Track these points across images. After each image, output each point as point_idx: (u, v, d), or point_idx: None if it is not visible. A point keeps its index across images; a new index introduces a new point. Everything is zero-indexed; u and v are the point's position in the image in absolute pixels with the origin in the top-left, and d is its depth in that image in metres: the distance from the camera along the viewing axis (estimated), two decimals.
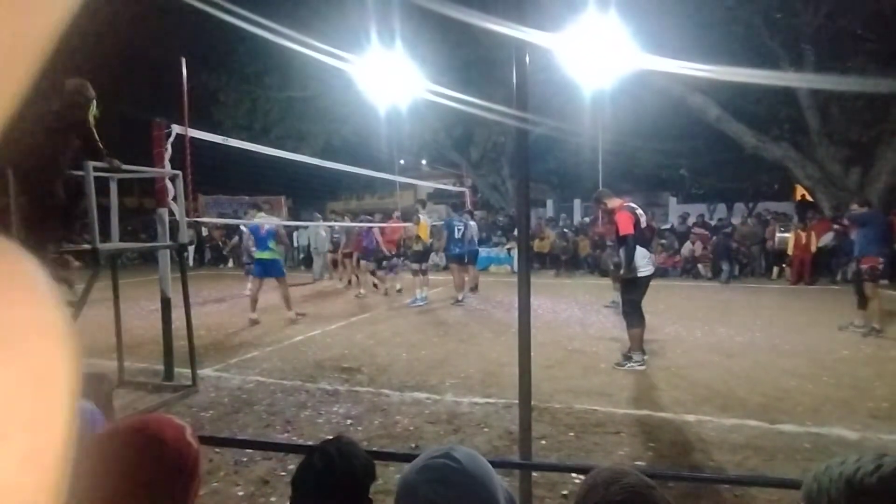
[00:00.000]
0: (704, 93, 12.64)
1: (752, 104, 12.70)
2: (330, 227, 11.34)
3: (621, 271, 5.11)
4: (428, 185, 18.70)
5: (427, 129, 16.51)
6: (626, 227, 4.93)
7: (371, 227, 9.87)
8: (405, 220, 9.98)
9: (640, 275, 4.98)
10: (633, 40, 10.20)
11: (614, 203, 5.22)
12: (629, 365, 4.99)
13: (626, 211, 5.03)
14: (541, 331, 6.60)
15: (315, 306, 9.08)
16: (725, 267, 12.00)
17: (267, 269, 7.39)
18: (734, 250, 12.34)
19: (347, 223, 11.04)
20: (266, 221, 7.65)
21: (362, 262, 10.16)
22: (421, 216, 9.27)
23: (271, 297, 8.24)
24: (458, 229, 9.30)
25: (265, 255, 7.38)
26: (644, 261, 4.98)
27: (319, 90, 15.16)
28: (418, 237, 9.15)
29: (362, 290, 10.02)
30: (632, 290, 5.08)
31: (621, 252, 5.01)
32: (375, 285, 10.15)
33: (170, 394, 4.45)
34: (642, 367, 4.97)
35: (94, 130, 3.80)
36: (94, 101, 3.81)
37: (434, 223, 9.70)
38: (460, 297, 9.19)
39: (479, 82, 13.82)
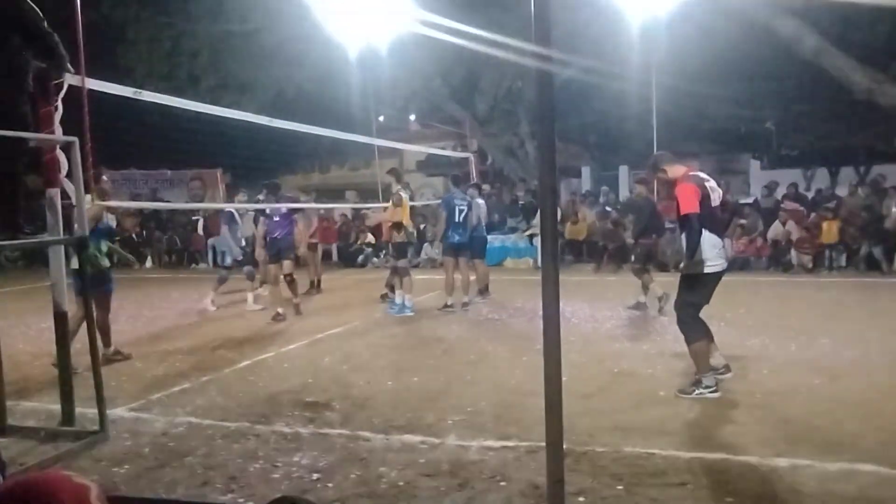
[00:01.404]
0: (799, 17, 12.60)
1: (862, 32, 12.66)
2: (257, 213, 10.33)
3: (681, 264, 5.11)
4: (418, 151, 18.71)
5: (416, 74, 16.47)
6: (688, 203, 4.92)
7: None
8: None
9: (706, 270, 4.98)
10: None
11: (677, 171, 5.22)
12: (697, 392, 5.00)
13: (691, 182, 5.02)
14: (576, 347, 6.59)
15: (264, 319, 9.09)
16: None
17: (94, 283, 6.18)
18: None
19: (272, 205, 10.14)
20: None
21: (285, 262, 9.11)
22: (402, 194, 9.19)
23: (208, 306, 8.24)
24: (460, 210, 9.29)
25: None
26: (713, 252, 4.98)
27: (265, 22, 15.12)
28: (398, 224, 9.03)
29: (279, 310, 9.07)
30: (692, 289, 5.08)
31: (683, 237, 5.00)
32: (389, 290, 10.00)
33: (70, 442, 4.45)
34: (715, 395, 4.97)
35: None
36: None
37: (429, 201, 9.59)
38: (457, 302, 9.24)
39: (487, 7, 13.77)
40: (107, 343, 6.90)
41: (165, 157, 18.55)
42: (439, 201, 10.36)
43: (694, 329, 5.06)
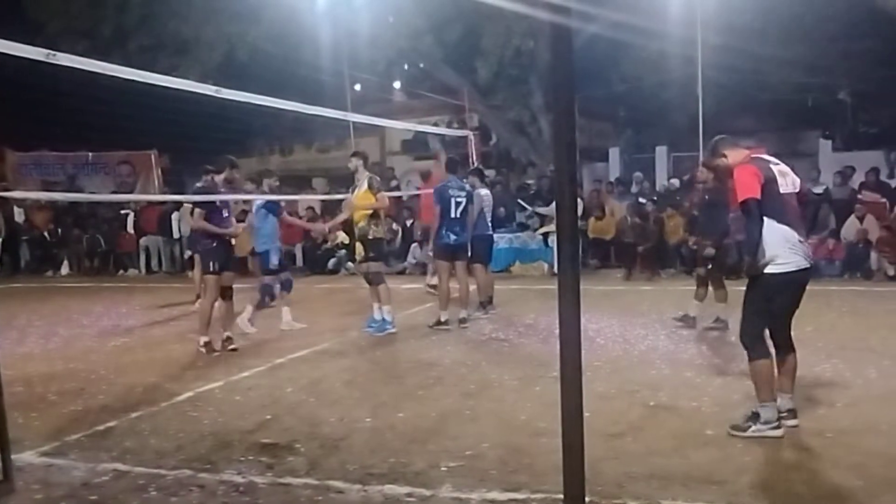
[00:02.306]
0: None
1: None
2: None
3: (742, 264, 5.10)
4: (404, 128, 18.71)
5: (402, 32, 16.48)
6: (747, 188, 4.93)
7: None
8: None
9: (776, 270, 4.95)
10: None
11: (737, 156, 5.23)
12: (753, 428, 5.00)
13: (753, 164, 5.04)
14: (602, 374, 6.61)
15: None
16: None
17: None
18: None
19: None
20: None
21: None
22: (373, 181, 9.02)
23: (147, 323, 8.21)
24: (457, 202, 9.30)
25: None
26: (784, 247, 4.93)
27: None
28: (373, 215, 8.93)
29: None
30: (757, 296, 5.07)
31: (741, 231, 5.03)
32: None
33: None
34: (777, 432, 4.97)
35: None
36: None
37: (415, 192, 9.45)
38: (453, 317, 9.24)
39: None
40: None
41: (86, 137, 18.46)
42: (432, 191, 10.30)
43: (758, 345, 5.07)
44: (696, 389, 6.23)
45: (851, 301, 10.60)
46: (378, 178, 9.32)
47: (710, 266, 8.98)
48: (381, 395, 6.42)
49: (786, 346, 5.20)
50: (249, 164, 23.16)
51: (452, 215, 9.24)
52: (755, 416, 5.02)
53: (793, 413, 5.16)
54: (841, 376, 6.50)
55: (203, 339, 8.23)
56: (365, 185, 8.90)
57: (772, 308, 5.05)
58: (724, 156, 5.29)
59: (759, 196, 4.89)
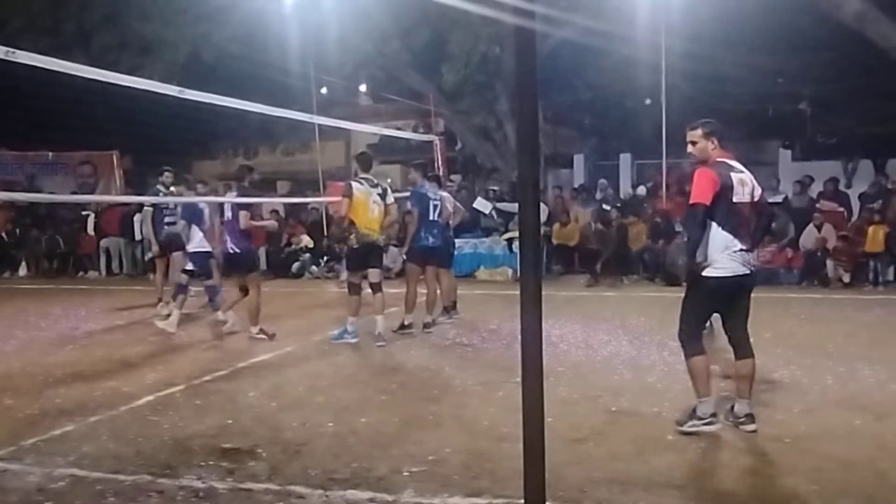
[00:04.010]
0: None
1: None
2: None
3: (680, 267, 5.21)
4: (370, 131, 18.66)
5: (368, 35, 16.45)
6: (700, 193, 5.05)
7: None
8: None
9: (713, 274, 5.08)
10: None
11: (706, 150, 5.29)
12: (689, 423, 5.15)
13: (713, 169, 5.12)
14: (564, 379, 6.67)
15: (173, 342, 8.99)
16: None
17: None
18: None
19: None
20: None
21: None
22: (354, 184, 8.74)
23: (100, 325, 8.12)
24: (434, 205, 9.33)
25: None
26: (725, 254, 5.06)
27: None
28: (350, 223, 8.66)
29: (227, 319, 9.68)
30: (695, 298, 5.22)
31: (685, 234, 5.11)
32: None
33: None
34: (712, 427, 5.12)
35: None
36: None
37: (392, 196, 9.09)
38: (418, 322, 9.23)
39: None
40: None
41: (47, 136, 18.21)
42: (409, 194, 10.24)
43: (694, 342, 5.20)
44: (657, 395, 6.29)
45: (809, 308, 10.77)
46: (350, 185, 8.91)
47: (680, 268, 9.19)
48: (344, 400, 6.40)
49: (743, 350, 5.31)
50: (214, 167, 23.09)
51: (430, 218, 9.27)
52: (692, 412, 5.15)
53: (750, 418, 5.24)
54: (798, 382, 6.60)
55: (256, 329, 8.94)
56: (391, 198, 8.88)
57: (707, 309, 5.20)
58: (694, 142, 5.31)
59: (708, 203, 5.01)
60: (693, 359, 5.17)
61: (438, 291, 9.73)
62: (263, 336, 8.84)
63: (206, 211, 9.81)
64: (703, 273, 5.08)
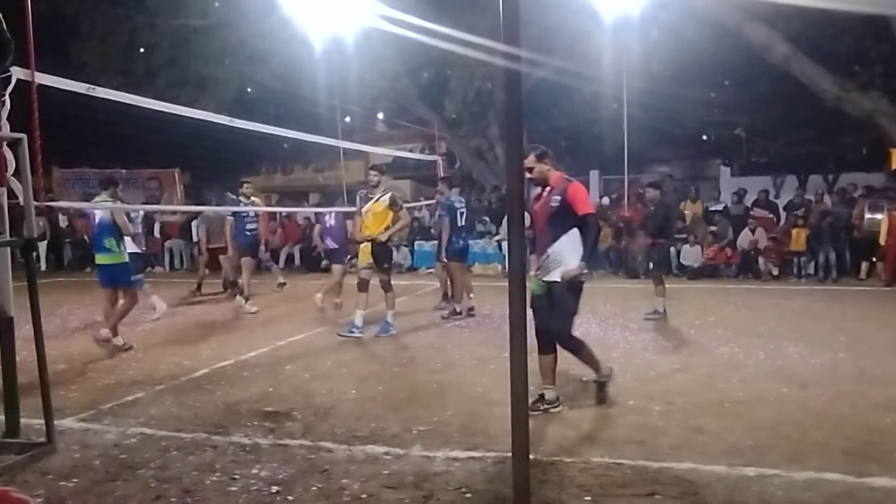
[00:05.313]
0: (769, 23, 12.89)
1: (832, 39, 13.01)
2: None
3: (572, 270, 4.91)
4: (385, 153, 18.65)
5: (384, 74, 16.46)
6: (587, 203, 4.97)
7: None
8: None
9: (582, 277, 4.95)
10: None
11: (545, 172, 5.10)
12: (543, 407, 4.97)
13: (580, 183, 5.08)
14: None
15: (224, 324, 8.99)
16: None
17: (113, 276, 7.45)
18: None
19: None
20: (101, 208, 7.47)
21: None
22: (396, 199, 8.17)
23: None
24: (461, 212, 9.31)
25: (107, 258, 7.39)
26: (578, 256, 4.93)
27: (227, 17, 15.02)
28: (387, 228, 8.01)
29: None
30: (572, 299, 5.00)
31: (578, 239, 4.93)
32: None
33: (13, 455, 4.33)
34: (557, 409, 5.00)
35: None
36: None
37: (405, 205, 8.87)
38: (458, 309, 9.24)
39: (457, 6, 13.85)
40: (113, 332, 7.34)
41: (120, 156, 18.19)
42: (438, 204, 10.14)
43: (573, 339, 5.06)
44: (620, 367, 6.26)
45: (744, 297, 10.77)
46: (400, 195, 8.68)
47: (650, 267, 9.17)
48: (364, 372, 6.41)
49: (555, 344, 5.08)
50: (257, 181, 23.06)
51: (459, 224, 9.23)
52: (541, 398, 4.97)
53: (558, 403, 5.05)
54: (736, 357, 6.61)
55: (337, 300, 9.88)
56: (388, 202, 7.94)
57: (577, 307, 4.99)
58: (546, 164, 5.10)
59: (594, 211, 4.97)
60: (583, 351, 5.08)
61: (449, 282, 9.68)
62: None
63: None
64: (580, 277, 4.90)
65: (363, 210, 8.14)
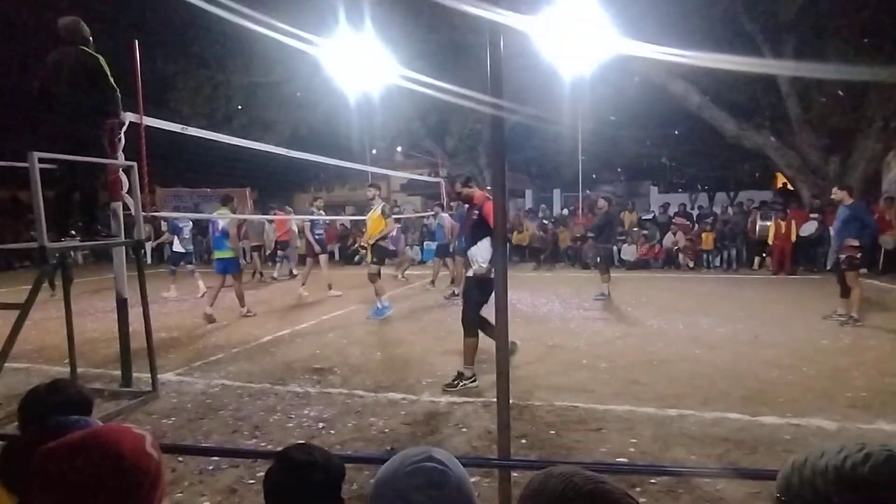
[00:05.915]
0: (686, 79, 12.87)
1: (733, 91, 12.99)
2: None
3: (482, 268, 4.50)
4: (402, 176, 18.65)
5: (401, 117, 16.41)
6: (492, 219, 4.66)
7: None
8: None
9: (490, 275, 4.29)
10: (612, 25, 10.31)
11: (477, 191, 4.74)
12: (461, 383, 4.47)
13: (491, 202, 4.72)
14: (520, 326, 6.64)
15: (282, 304, 8.98)
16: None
17: (226, 267, 7.81)
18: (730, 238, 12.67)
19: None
20: (224, 218, 7.77)
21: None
22: (386, 209, 7.82)
23: (231, 296, 8.11)
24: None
25: (224, 253, 7.77)
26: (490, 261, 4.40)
27: (285, 75, 14.95)
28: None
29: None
30: (479, 292, 4.46)
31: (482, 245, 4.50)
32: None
33: (128, 401, 4.35)
34: (475, 384, 4.49)
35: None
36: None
37: (408, 215, 9.00)
38: (456, 291, 9.12)
39: (455, 67, 13.81)
40: (241, 304, 7.89)
41: (206, 179, 18.18)
42: (455, 213, 10.13)
43: (474, 327, 4.54)
44: (576, 335, 6.30)
45: (668, 283, 10.75)
46: (390, 206, 8.64)
47: (598, 261, 9.18)
48: (387, 338, 6.42)
49: (485, 329, 4.54)
50: (306, 197, 23.10)
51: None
52: (461, 375, 4.51)
53: (474, 378, 4.54)
54: (662, 327, 6.61)
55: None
56: (379, 211, 7.74)
57: (484, 301, 4.40)
58: (470, 187, 4.76)
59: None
60: (471, 339, 4.51)
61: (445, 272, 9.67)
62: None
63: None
64: (489, 275, 4.33)
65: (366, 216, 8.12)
